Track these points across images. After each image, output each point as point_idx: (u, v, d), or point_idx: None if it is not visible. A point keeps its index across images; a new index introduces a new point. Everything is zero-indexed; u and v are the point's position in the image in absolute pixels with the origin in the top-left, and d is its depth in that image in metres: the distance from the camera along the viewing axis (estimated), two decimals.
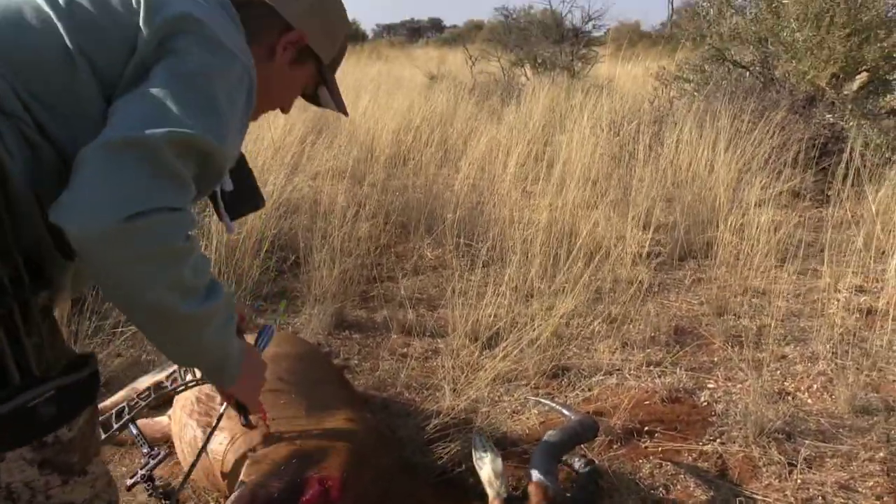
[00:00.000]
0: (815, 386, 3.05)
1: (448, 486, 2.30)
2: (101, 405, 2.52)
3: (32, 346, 1.00)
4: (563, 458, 2.30)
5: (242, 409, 1.35)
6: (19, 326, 0.97)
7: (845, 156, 4.85)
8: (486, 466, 2.13)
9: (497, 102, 8.47)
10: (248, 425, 1.38)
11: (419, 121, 7.22)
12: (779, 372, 3.17)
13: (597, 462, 2.38)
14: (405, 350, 3.35)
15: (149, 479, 2.14)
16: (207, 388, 2.35)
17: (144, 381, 2.72)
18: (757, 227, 4.27)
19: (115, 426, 2.18)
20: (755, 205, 4.68)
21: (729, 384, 3.06)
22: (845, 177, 4.76)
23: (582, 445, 2.51)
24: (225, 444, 2.22)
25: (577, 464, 2.28)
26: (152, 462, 2.16)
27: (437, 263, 4.34)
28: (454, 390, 2.81)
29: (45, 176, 1.04)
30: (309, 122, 6.92)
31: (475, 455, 2.18)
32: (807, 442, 2.63)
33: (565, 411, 2.44)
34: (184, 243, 1.04)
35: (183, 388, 2.24)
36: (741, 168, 5.23)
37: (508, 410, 2.73)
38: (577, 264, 3.70)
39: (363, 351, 3.37)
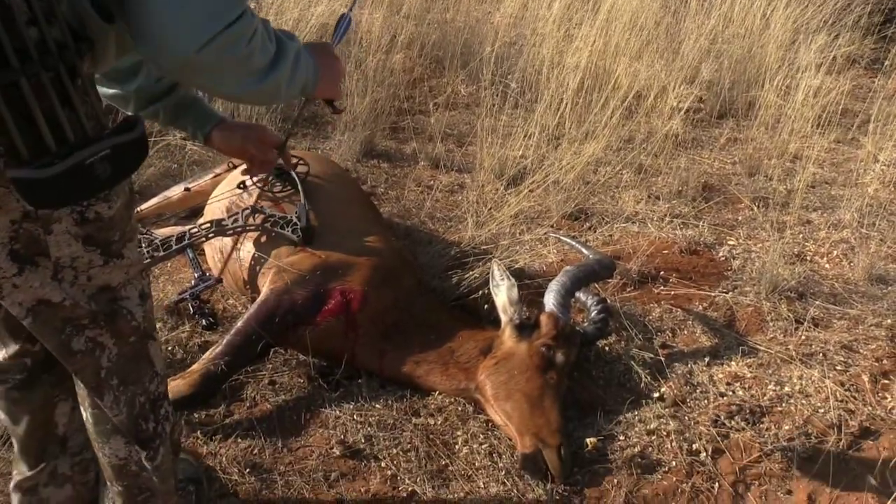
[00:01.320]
0: (835, 252, 3.06)
1: (463, 310, 2.40)
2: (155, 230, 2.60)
3: (85, 109, 1.03)
4: (580, 297, 2.38)
5: (329, 103, 1.48)
6: (69, 89, 1.00)
7: None
8: (502, 293, 2.20)
9: None
10: (336, 111, 1.50)
11: None
12: (801, 235, 3.17)
13: (609, 301, 2.45)
14: (431, 182, 3.37)
15: (196, 298, 2.25)
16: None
17: (176, 190, 2.79)
18: (804, 91, 4.12)
19: (175, 247, 2.25)
20: (806, 68, 4.49)
21: (749, 242, 3.08)
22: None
23: (596, 285, 2.58)
24: (253, 252, 2.31)
25: (590, 301, 2.35)
26: (202, 285, 2.26)
27: (469, 100, 4.27)
28: (476, 223, 2.85)
29: None
30: None
31: (492, 282, 2.25)
32: (817, 303, 2.68)
33: (584, 250, 2.48)
34: (248, 46, 1.07)
35: (241, 229, 2.28)
36: (797, 27, 4.96)
37: (527, 246, 2.78)
38: (612, 111, 3.63)
39: (390, 180, 3.39)
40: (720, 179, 3.64)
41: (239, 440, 1.95)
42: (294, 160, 2.50)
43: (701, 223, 3.16)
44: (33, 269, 1.11)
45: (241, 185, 2.41)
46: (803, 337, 2.49)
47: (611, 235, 3.02)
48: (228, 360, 2.03)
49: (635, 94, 3.98)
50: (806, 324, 2.54)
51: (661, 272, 2.77)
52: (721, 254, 2.98)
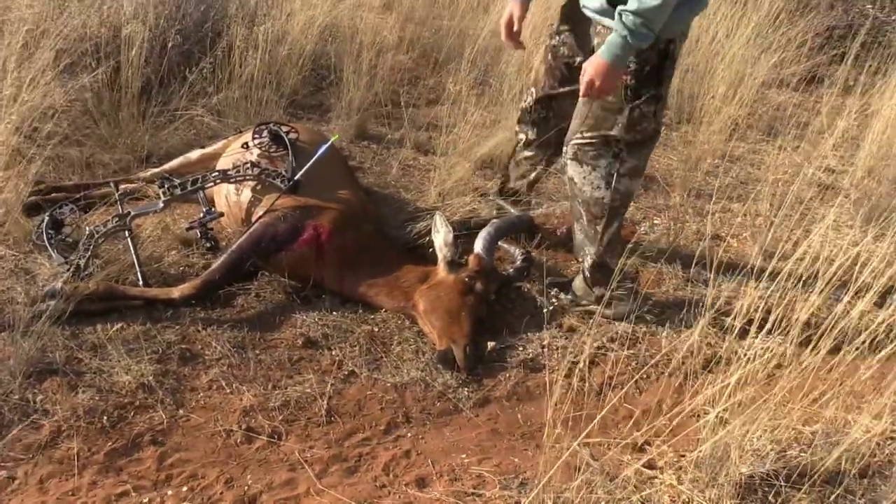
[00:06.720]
0: (744, 234, 3.63)
1: (412, 252, 3.00)
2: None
3: None
4: (510, 250, 2.99)
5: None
6: None
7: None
8: (440, 237, 2.81)
9: None
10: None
11: None
12: (719, 220, 3.74)
13: (533, 255, 3.03)
14: (411, 162, 3.98)
15: (202, 226, 2.86)
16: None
17: (194, 154, 3.42)
18: (746, 102, 4.68)
19: (190, 188, 2.85)
20: (763, 83, 5.03)
21: (672, 223, 3.64)
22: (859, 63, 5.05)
23: (529, 244, 3.17)
24: (250, 196, 2.94)
25: (517, 252, 2.95)
26: (209, 217, 2.87)
27: (456, 97, 4.86)
28: (439, 194, 3.45)
29: None
30: None
31: (433, 229, 2.86)
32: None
33: (510, 208, 3.08)
34: None
35: (242, 178, 2.89)
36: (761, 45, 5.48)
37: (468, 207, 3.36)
38: None
39: (377, 158, 4.00)
40: (662, 173, 4.21)
41: (227, 330, 2.57)
42: (286, 128, 3.13)
43: (634, 205, 3.73)
44: None
45: (245, 146, 3.04)
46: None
47: (553, 211, 3.61)
48: (224, 272, 2.66)
49: None
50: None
51: None
52: (643, 228, 3.56)
